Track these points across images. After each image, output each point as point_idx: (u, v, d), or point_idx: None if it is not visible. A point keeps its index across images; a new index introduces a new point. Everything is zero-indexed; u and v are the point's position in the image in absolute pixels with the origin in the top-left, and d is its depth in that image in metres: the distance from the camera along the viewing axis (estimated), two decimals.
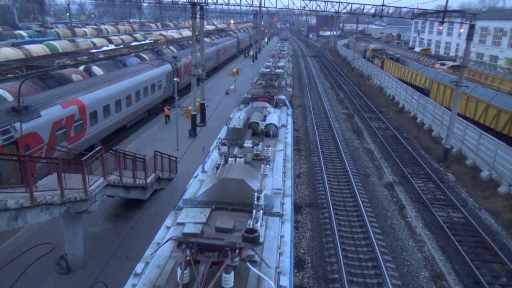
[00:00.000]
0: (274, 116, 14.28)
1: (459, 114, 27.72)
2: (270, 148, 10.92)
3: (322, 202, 19.69)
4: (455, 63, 48.58)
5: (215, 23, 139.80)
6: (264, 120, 14.02)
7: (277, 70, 25.67)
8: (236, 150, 10.99)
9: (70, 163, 13.46)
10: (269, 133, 13.18)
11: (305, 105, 41.46)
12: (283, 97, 19.18)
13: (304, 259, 15.03)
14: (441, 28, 73.89)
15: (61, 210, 11.41)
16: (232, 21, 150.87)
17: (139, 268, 6.07)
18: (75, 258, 13.01)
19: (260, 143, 11.11)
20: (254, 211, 7.11)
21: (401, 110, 39.64)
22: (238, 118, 13.62)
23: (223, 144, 10.96)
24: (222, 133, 13.57)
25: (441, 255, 15.69)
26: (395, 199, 20.41)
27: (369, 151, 27.50)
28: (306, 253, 15.49)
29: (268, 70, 26.19)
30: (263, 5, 28.22)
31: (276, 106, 17.68)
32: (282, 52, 47.47)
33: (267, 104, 16.58)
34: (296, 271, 14.29)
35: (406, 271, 14.62)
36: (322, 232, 17.02)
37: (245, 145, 11.50)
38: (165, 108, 31.65)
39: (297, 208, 18.69)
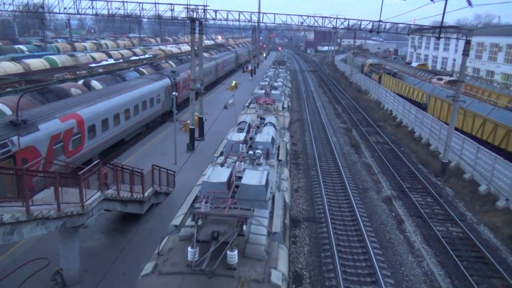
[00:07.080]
0: None
1: (456, 129, 27.84)
2: None
3: (320, 216, 19.60)
4: (452, 78, 49.04)
5: (217, 38, 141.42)
6: None
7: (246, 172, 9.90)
8: None
9: (67, 177, 13.41)
10: None
11: (303, 119, 41.60)
12: None
13: (302, 274, 14.89)
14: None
15: (57, 224, 11.33)
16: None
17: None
18: (70, 273, 12.86)
19: None
20: None
21: (398, 124, 39.81)
22: None
23: None
24: None
25: (440, 270, 15.57)
26: (393, 214, 20.33)
27: (367, 165, 27.51)
28: (304, 268, 15.35)
29: (229, 168, 10.19)
30: (261, 20, 28.33)
31: None
32: (273, 92, 26.44)
33: None
34: (294, 286, 14.14)
35: (405, 287, 14.49)
36: (320, 246, 16.91)
37: None
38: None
39: (295, 223, 18.60)
